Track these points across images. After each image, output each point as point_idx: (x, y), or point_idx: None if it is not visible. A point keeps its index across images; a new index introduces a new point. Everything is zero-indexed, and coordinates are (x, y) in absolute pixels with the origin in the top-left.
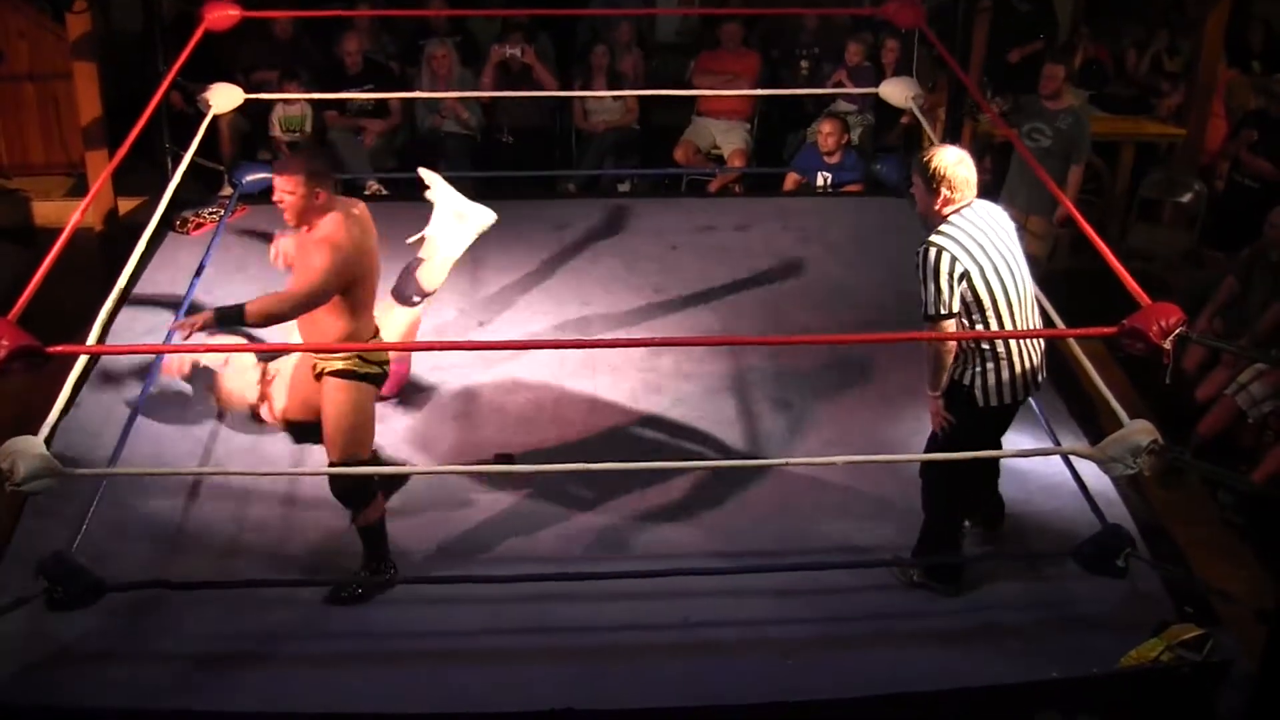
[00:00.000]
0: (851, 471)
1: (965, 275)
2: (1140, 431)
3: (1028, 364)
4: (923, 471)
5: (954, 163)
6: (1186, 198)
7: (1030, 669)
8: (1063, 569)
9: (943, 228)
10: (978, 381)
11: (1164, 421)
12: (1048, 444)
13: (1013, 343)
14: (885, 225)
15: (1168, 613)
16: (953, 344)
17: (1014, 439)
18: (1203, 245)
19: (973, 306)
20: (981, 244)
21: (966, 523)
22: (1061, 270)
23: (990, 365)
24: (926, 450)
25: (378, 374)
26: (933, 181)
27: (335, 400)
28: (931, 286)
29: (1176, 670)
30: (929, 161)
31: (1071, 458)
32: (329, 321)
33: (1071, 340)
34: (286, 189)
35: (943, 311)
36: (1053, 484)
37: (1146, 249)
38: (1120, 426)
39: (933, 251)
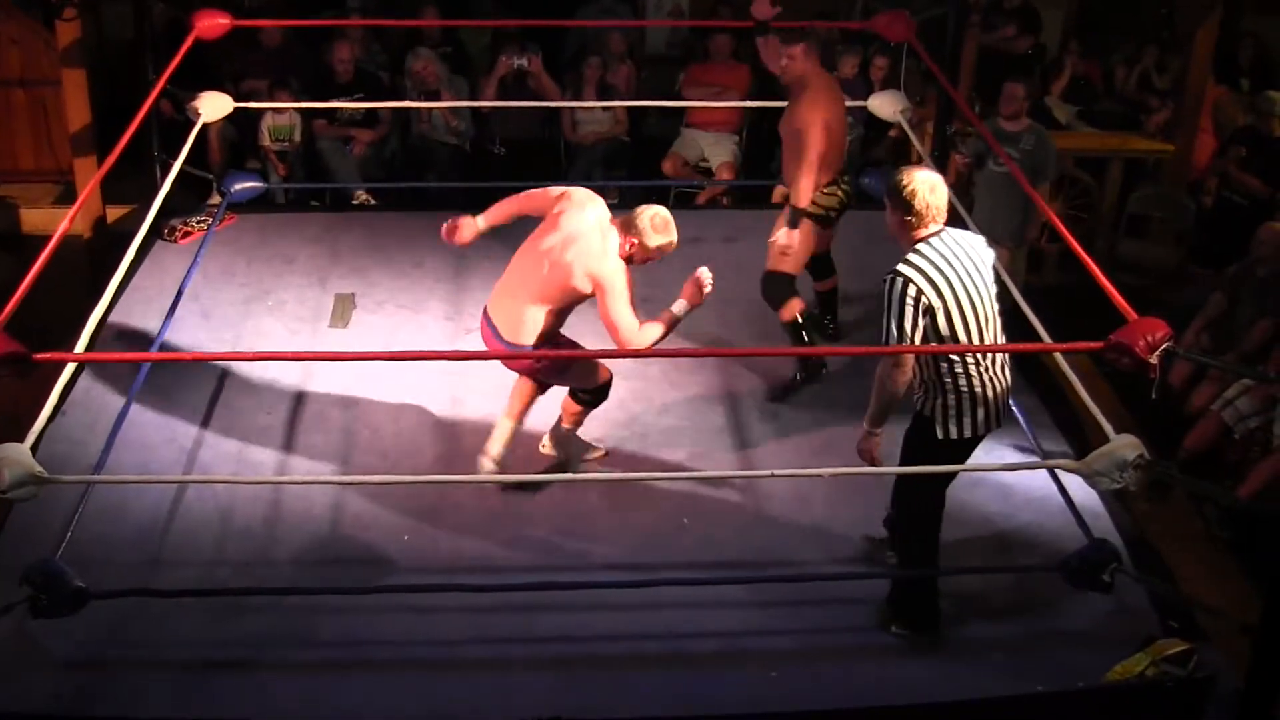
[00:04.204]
0: (836, 483)
1: (930, 310)
2: (1126, 446)
3: (990, 399)
4: (896, 503)
5: (926, 188)
6: (1174, 214)
7: (1015, 683)
8: (1048, 583)
9: (911, 256)
10: (938, 414)
11: (1150, 436)
12: (1034, 458)
13: (976, 377)
14: (872, 238)
15: (1153, 627)
16: (905, 379)
17: (1000, 452)
18: (1191, 261)
19: (934, 342)
20: (949, 276)
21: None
22: (1049, 286)
23: (952, 399)
24: (896, 488)
25: (820, 215)
26: (902, 204)
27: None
28: (894, 318)
29: (1161, 685)
30: (902, 184)
31: (1058, 471)
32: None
33: (1058, 355)
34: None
35: (904, 343)
36: (1038, 498)
37: (1134, 265)
38: (1106, 441)
39: (899, 282)
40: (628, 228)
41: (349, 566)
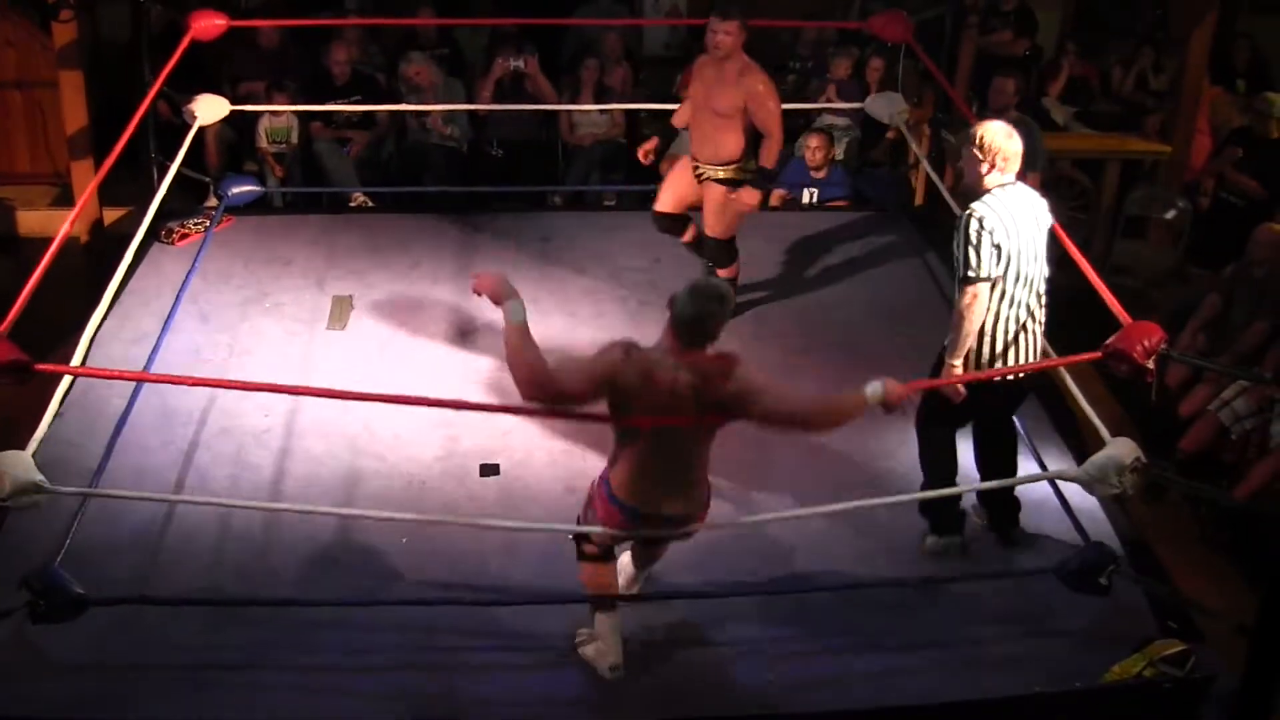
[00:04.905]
0: (836, 488)
1: (997, 248)
2: (1123, 450)
3: (1007, 346)
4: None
5: (1004, 136)
6: (1171, 215)
7: (1014, 684)
8: (1047, 585)
9: (987, 199)
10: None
11: (1147, 437)
12: (1031, 461)
13: (1002, 323)
14: (870, 240)
15: (1150, 628)
16: (981, 308)
17: None
18: (1188, 262)
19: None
20: (1017, 225)
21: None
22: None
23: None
24: (919, 423)
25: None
26: (983, 152)
27: (713, 197)
28: (972, 248)
29: (1159, 686)
30: (980, 134)
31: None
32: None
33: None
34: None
35: (982, 274)
36: (1036, 501)
37: (1131, 266)
38: (1103, 443)
39: (975, 218)
40: (694, 338)
41: (348, 569)
